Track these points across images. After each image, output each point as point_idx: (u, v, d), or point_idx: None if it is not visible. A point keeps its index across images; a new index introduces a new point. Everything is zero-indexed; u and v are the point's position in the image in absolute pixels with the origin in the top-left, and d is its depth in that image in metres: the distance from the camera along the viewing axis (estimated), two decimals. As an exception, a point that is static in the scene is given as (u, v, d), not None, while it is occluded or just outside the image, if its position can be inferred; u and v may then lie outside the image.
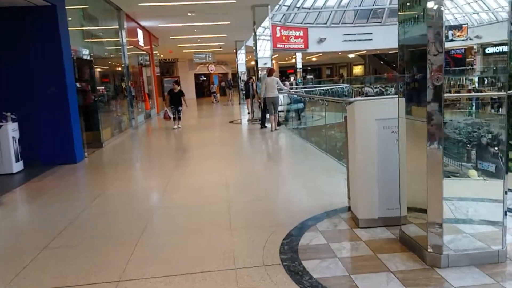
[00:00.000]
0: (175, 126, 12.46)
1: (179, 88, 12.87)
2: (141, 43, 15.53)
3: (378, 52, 35.36)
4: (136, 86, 14.77)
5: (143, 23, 15.34)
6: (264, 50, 22.64)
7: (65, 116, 7.77)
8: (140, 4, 12.00)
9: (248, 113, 19.01)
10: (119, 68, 12.69)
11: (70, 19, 9.19)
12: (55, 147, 7.81)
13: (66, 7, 8.12)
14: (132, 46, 14.98)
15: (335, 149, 8.22)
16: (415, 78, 3.09)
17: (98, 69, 10.86)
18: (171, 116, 12.53)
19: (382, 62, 41.07)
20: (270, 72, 11.55)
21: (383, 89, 37.17)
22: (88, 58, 9.82)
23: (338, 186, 4.96)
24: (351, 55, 38.62)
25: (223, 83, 34.07)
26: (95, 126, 9.81)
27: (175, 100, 12.59)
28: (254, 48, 14.88)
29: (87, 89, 9.91)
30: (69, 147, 7.84)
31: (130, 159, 8.45)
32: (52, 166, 7.53)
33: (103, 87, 10.84)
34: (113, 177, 6.73)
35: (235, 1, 12.23)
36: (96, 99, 10.28)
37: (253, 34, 14.90)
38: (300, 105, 12.93)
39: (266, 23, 21.83)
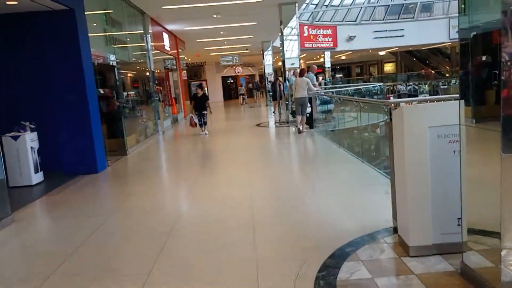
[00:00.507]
0: (202, 132, 11.87)
1: (202, 92, 12.14)
2: (167, 47, 15.25)
3: (410, 48, 33.97)
4: (162, 91, 14.50)
5: (169, 27, 15.06)
6: (292, 50, 22.07)
7: (86, 124, 7.45)
8: (164, 7, 11.67)
9: (274, 112, 18.49)
10: (145, 73, 12.42)
11: (93, 24, 8.99)
12: (76, 156, 7.51)
13: (88, 12, 7.83)
14: (158, 51, 14.73)
15: (370, 153, 7.54)
16: (484, 76, 2.45)
17: (123, 75, 10.58)
18: (197, 122, 11.88)
19: (414, 59, 39.50)
20: (301, 72, 11.15)
21: (416, 87, 35.83)
22: (112, 63, 9.53)
23: (380, 202, 4.33)
24: (382, 53, 37.33)
25: (250, 85, 33.66)
26: (119, 133, 9.51)
27: (199, 105, 11.93)
28: (281, 48, 14.31)
29: (111, 95, 9.63)
30: (90, 156, 7.52)
31: (153, 168, 8.05)
32: (73, 176, 7.22)
33: (128, 93, 10.55)
34: (133, 189, 6.32)
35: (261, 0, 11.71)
36: (120, 105, 10.01)
37: (280, 34, 14.32)
38: (330, 106, 12.23)
39: (293, 22, 21.26)
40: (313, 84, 11.18)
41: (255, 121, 15.05)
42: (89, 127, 7.47)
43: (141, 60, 12.23)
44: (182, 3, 11.37)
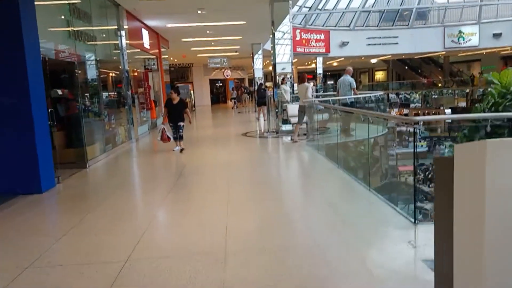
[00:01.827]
0: (176, 148, 9.30)
1: (179, 98, 9.41)
2: (147, 45, 13.74)
3: (403, 57, 32.95)
4: (139, 93, 12.98)
5: (149, 23, 13.56)
6: (283, 54, 20.70)
7: (27, 131, 5.92)
8: (140, -1, 10.21)
9: (257, 119, 17.05)
10: (117, 73, 10.89)
11: (51, 14, 7.50)
12: (15, 172, 6.00)
13: (40, 2, 6.35)
14: (137, 49, 13.23)
15: (376, 178, 6.17)
16: None
17: (88, 74, 9.07)
18: (171, 136, 9.33)
19: (406, 67, 38.57)
20: (302, 78, 10.51)
21: (407, 96, 34.84)
22: (73, 60, 8.01)
23: (404, 259, 2.93)
24: (374, 60, 36.31)
25: (241, 89, 32.19)
26: (79, 141, 7.99)
27: (175, 114, 9.24)
28: (272, 51, 12.92)
29: (71, 96, 8.11)
30: (32, 171, 5.99)
31: (113, 186, 6.53)
32: (10, 197, 5.70)
33: (93, 94, 9.03)
34: (79, 215, 4.81)
35: (250, -6, 10.33)
36: (83, 108, 8.50)
37: (271, 36, 12.95)
38: (325, 115, 10.82)
39: (285, 27, 19.85)
40: (352, 89, 10.32)
41: (242, 129, 13.61)
42: (31, 135, 5.95)
43: (113, 58, 10.70)
44: (160, -6, 9.95)
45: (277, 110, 12.27)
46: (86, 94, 8.70)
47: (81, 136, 7.95)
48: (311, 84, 28.95)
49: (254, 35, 17.33)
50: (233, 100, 27.14)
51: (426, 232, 3.69)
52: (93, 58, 9.15)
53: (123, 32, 10.96)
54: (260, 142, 11.08)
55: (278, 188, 5.83)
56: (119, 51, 10.90)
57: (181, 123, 9.31)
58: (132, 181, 6.95)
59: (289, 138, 11.01)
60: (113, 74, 10.70)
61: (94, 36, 9.27)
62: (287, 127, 11.97)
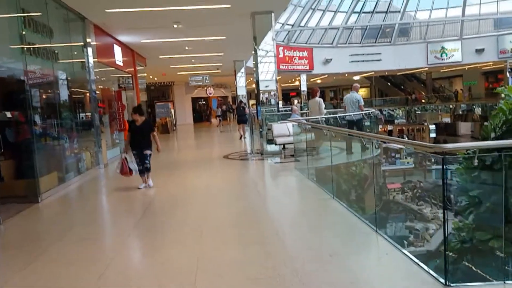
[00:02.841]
0: (142, 185, 7.24)
1: (143, 118, 7.44)
2: (119, 62, 12.64)
3: (386, 73, 32.58)
4: (109, 113, 11.81)
5: (121, 38, 12.49)
6: (267, 71, 19.81)
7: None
8: (107, 11, 9.13)
9: (240, 139, 16.05)
10: (82, 92, 9.73)
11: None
12: None
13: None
14: (109, 67, 12.13)
15: (383, 214, 5.13)
16: None
17: (45, 94, 7.92)
18: (133, 168, 7.13)
19: (389, 84, 38.30)
20: (313, 93, 10.07)
21: (391, 112, 34.39)
22: (28, 79, 6.85)
23: None
24: (356, 77, 35.88)
25: (224, 107, 31.18)
26: (30, 171, 6.77)
27: (139, 139, 7.22)
28: (254, 69, 11.95)
29: (22, 119, 6.92)
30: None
31: (65, 227, 5.30)
32: None
33: (50, 116, 7.85)
34: (19, 267, 3.62)
35: (229, 6, 9.36)
36: (38, 132, 7.32)
37: (253, 52, 12.03)
38: (312, 135, 9.83)
39: (268, 46, 18.93)
40: (360, 106, 9.75)
41: (224, 150, 12.49)
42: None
43: (79, 77, 9.55)
44: (130, 6, 8.91)
45: (261, 130, 11.23)
46: (42, 116, 7.53)
47: (33, 164, 6.73)
48: (295, 101, 27.92)
49: (236, 52, 16.42)
50: (218, 118, 26.21)
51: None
52: (51, 76, 8.00)
53: (89, 48, 9.83)
54: (243, 166, 9.99)
55: (264, 233, 4.67)
56: (85, 69, 9.76)
57: (147, 151, 7.23)
58: (88, 221, 5.70)
59: (274, 160, 9.98)
60: (79, 94, 9.53)
61: (54, 52, 8.13)
62: (273, 148, 10.94)
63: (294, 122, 9.44)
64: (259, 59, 11.59)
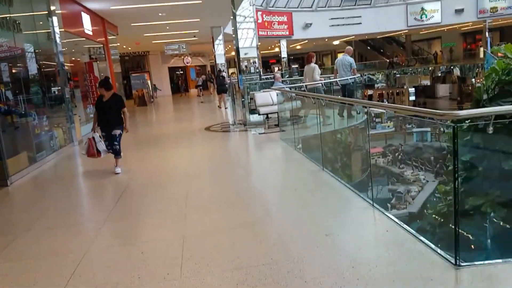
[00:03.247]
0: (118, 169, 6.35)
1: (111, 93, 6.40)
2: (89, 31, 11.78)
3: (366, 37, 32.08)
4: (82, 87, 11.10)
5: (89, 5, 11.57)
6: (246, 38, 19.05)
7: None
8: (70, -27, 8.32)
9: (219, 107, 15.70)
10: (49, 64, 9.00)
11: None
12: None
13: None
14: (79, 37, 11.30)
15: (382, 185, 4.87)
16: None
17: (7, 66, 7.22)
18: (102, 149, 6.30)
19: (369, 48, 37.87)
20: (308, 58, 9.59)
21: (372, 76, 34.12)
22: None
23: None
24: (336, 42, 35.29)
25: (203, 76, 30.27)
26: (-5, 153, 6.21)
27: (107, 117, 6.29)
28: (233, 35, 11.32)
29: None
30: None
31: (36, 213, 4.85)
32: None
33: (14, 92, 7.20)
34: None
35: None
36: (0, 110, 6.72)
37: (231, 17, 11.35)
38: (297, 103, 9.43)
39: (246, 11, 18.03)
40: (353, 69, 9.37)
41: (205, 122, 12.02)
42: None
43: (42, 47, 8.79)
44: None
45: (243, 99, 10.77)
46: (4, 93, 6.89)
47: (-2, 146, 6.18)
48: (275, 68, 27.29)
49: (213, 17, 15.60)
50: (198, 88, 25.45)
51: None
52: (13, 49, 7.28)
53: (55, 18, 9.00)
54: (226, 137, 9.59)
55: (252, 212, 4.34)
56: (51, 38, 8.98)
57: (117, 131, 6.30)
58: (60, 206, 5.25)
59: (258, 130, 9.60)
60: (45, 66, 8.81)
61: (15, 22, 7.37)
62: (256, 118, 10.54)
63: (278, 91, 9.01)
64: (237, 25, 10.96)
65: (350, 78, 9.28)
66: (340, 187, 4.74)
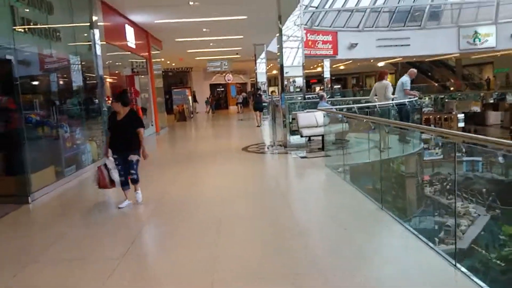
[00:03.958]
0: (124, 204, 5.21)
1: (129, 109, 5.31)
2: (132, 44, 11.55)
3: (414, 59, 30.66)
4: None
5: (133, 18, 11.37)
6: (287, 57, 18.34)
7: None
8: (114, -17, 8.03)
9: (258, 126, 15.19)
10: (88, 76, 8.68)
11: None
12: None
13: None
14: (122, 50, 11.08)
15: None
16: None
17: (41, 77, 6.91)
18: (115, 178, 5.21)
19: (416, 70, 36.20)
20: (381, 75, 9.03)
21: (420, 100, 32.43)
22: (11, 58, 5.82)
23: None
24: (381, 63, 34.03)
25: (243, 94, 29.89)
26: (20, 166, 5.78)
27: (120, 138, 5.19)
28: (278, 53, 10.64)
29: (12, 106, 5.92)
30: None
31: (54, 235, 4.28)
32: None
33: (48, 103, 6.85)
34: None
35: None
36: (34, 121, 6.35)
37: (277, 35, 10.72)
38: (339, 126, 8.52)
39: (290, 31, 17.25)
40: (405, 90, 8.71)
41: (242, 141, 11.35)
42: None
43: (84, 59, 8.50)
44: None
45: (284, 119, 10.02)
46: (38, 103, 6.54)
47: (23, 158, 5.74)
48: (316, 88, 26.34)
49: (257, 34, 15.13)
50: (239, 105, 25.12)
51: None
52: (48, 57, 6.96)
53: (96, 30, 8.70)
54: (265, 160, 8.83)
55: (294, 256, 3.53)
56: (91, 50, 8.69)
57: (134, 156, 5.17)
58: (79, 232, 4.67)
59: (299, 153, 8.79)
60: (83, 77, 8.49)
61: (53, 30, 7.08)
62: (297, 140, 9.75)
63: (324, 112, 8.20)
64: (283, 38, 10.32)
65: (407, 100, 8.37)
66: (411, 239, 3.78)
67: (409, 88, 8.73)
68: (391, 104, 8.30)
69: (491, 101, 28.73)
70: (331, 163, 7.13)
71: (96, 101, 8.74)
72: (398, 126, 5.95)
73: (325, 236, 4.04)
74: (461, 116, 25.48)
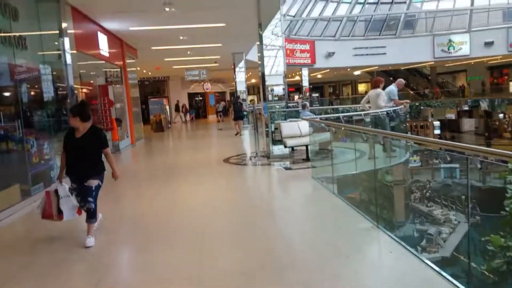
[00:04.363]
0: (87, 242, 4.10)
1: (90, 125, 4.28)
2: (105, 52, 11.00)
3: (390, 68, 31.04)
4: (94, 111, 10.20)
5: (106, 25, 10.84)
6: (266, 66, 18.06)
7: None
8: (85, -12, 7.53)
9: (236, 134, 15.22)
10: (57, 86, 8.10)
11: None
12: None
13: None
14: (95, 59, 10.53)
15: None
16: None
17: (3, 88, 6.33)
18: (67, 209, 4.30)
19: (392, 79, 36.73)
20: (376, 82, 8.47)
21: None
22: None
23: None
24: (357, 72, 34.37)
25: (222, 103, 29.50)
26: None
27: (79, 160, 4.25)
28: (259, 61, 10.29)
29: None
30: None
31: (18, 265, 3.75)
32: None
33: (9, 116, 6.27)
34: None
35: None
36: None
37: (257, 43, 10.40)
38: (326, 136, 8.23)
39: (267, 39, 16.92)
40: (394, 100, 8.56)
41: (223, 152, 10.90)
42: None
43: (53, 68, 7.92)
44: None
45: (267, 129, 9.67)
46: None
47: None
48: (295, 97, 26.22)
49: (236, 42, 14.82)
50: (219, 114, 24.81)
51: None
52: (12, 67, 6.39)
53: (66, 37, 8.14)
54: (248, 172, 8.44)
55: None
56: (61, 59, 8.13)
57: (93, 182, 4.22)
58: (40, 263, 4.14)
59: (283, 164, 8.44)
60: (51, 88, 7.91)
61: (18, 38, 6.52)
62: (280, 150, 9.41)
63: (308, 121, 7.89)
64: (264, 45, 10.03)
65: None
66: (414, 263, 3.44)
67: (397, 97, 8.59)
68: (379, 113, 8.09)
69: (466, 108, 29.34)
70: (318, 175, 6.80)
71: (65, 111, 8.15)
72: (391, 136, 5.68)
73: (322, 264, 3.58)
74: (437, 123, 25.87)
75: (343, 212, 4.94)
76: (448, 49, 26.20)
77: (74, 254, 4.01)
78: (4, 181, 5.73)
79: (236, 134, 15.38)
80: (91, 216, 4.22)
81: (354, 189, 6.08)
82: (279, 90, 17.24)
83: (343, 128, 6.63)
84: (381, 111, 8.05)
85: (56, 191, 4.27)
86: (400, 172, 7.47)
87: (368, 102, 8.57)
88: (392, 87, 8.59)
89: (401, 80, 8.87)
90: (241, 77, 21.22)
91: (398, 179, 7.19)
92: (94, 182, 4.21)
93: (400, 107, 8.84)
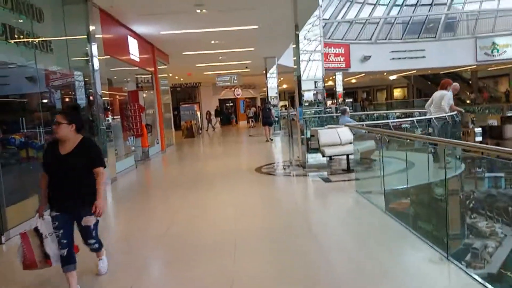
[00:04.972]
0: (100, 267, 3.49)
1: (80, 137, 3.14)
2: (136, 57, 10.65)
3: (428, 72, 29.53)
4: (124, 117, 9.86)
5: (137, 29, 10.50)
6: (305, 70, 17.32)
7: None
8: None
9: (267, 140, 14.76)
10: (85, 92, 7.74)
11: None
12: None
13: None
14: (125, 64, 10.20)
15: None
16: None
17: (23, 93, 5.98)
18: (53, 252, 3.08)
19: (429, 83, 35.05)
20: (443, 84, 7.71)
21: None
22: None
23: None
24: (393, 77, 32.98)
25: (253, 109, 28.88)
26: (-7, 199, 4.78)
27: (65, 185, 3.07)
28: (295, 63, 9.53)
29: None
30: None
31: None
32: None
33: (32, 123, 5.90)
34: None
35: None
36: (15, 142, 5.40)
37: (293, 46, 9.63)
38: (370, 144, 7.39)
39: (301, 44, 16.09)
40: (451, 105, 7.81)
41: (254, 160, 10.25)
42: None
43: (80, 73, 7.57)
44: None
45: (302, 136, 8.92)
46: (20, 123, 5.59)
47: (-3, 189, 4.74)
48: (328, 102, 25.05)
49: (268, 46, 14.22)
50: (250, 119, 24.24)
51: None
52: (35, 71, 6.03)
53: (94, 42, 7.78)
54: (282, 184, 7.72)
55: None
56: (89, 63, 7.77)
57: (91, 219, 3.18)
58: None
59: (321, 175, 7.69)
60: (77, 93, 7.55)
61: (46, 41, 6.16)
62: (316, 159, 8.65)
63: (351, 128, 7.12)
64: (300, 51, 9.30)
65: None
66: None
67: (453, 102, 7.73)
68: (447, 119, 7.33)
69: (510, 114, 27.41)
70: (364, 189, 5.99)
71: (93, 117, 7.77)
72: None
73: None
74: (478, 130, 24.21)
75: (399, 236, 4.12)
76: (492, 52, 24.57)
77: (85, 284, 3.42)
78: (21, 194, 5.30)
79: (266, 141, 14.92)
80: (98, 250, 3.47)
81: (409, 206, 5.25)
82: (309, 95, 16.46)
83: (396, 137, 5.79)
84: (440, 116, 7.26)
85: (36, 230, 3.11)
86: (456, 185, 6.58)
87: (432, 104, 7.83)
88: (448, 92, 7.71)
89: (457, 85, 7.94)
90: (272, 82, 20.58)
91: (455, 194, 6.30)
92: (92, 221, 3.19)
93: (455, 113, 7.94)
